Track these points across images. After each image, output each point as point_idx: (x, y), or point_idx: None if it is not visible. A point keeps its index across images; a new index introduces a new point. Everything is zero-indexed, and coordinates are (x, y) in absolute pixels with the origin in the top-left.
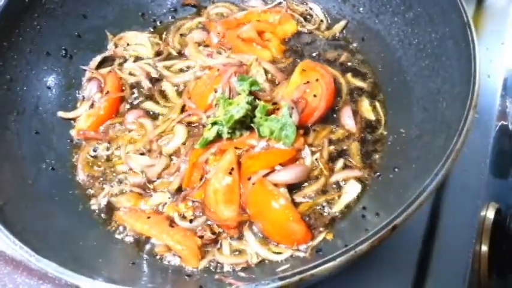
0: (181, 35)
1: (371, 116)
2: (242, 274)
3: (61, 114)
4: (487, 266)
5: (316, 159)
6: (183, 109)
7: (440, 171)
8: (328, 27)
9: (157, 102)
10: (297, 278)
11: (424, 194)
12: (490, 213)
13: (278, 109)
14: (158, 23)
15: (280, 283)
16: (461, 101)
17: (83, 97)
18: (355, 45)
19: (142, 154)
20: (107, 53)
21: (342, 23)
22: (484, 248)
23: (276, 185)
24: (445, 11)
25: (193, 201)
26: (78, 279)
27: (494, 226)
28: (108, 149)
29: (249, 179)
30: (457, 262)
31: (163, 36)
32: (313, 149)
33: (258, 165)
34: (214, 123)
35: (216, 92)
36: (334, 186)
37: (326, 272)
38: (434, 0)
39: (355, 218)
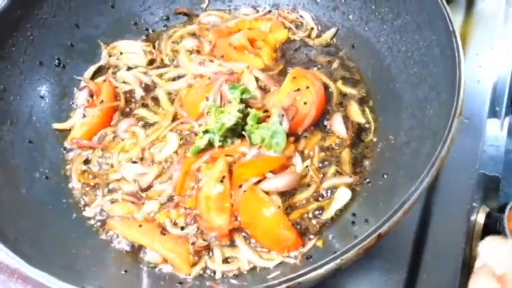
0: (173, 42)
1: (361, 119)
2: (234, 281)
3: (56, 126)
4: None
5: (307, 167)
6: (175, 117)
7: (425, 178)
8: (319, 35)
9: (150, 110)
10: (283, 286)
11: (409, 202)
12: (480, 217)
13: (269, 117)
14: (151, 31)
15: None
16: (447, 108)
17: (77, 106)
18: (345, 52)
19: (134, 162)
20: (100, 63)
21: (332, 30)
22: (475, 251)
23: (267, 192)
24: (431, 19)
25: (185, 209)
26: None
27: (485, 230)
28: (101, 157)
29: (240, 186)
30: (447, 266)
31: (156, 44)
32: (304, 156)
33: (249, 173)
34: (206, 132)
35: (207, 100)
36: (325, 193)
37: (313, 280)
38: (422, 8)
39: (345, 225)
